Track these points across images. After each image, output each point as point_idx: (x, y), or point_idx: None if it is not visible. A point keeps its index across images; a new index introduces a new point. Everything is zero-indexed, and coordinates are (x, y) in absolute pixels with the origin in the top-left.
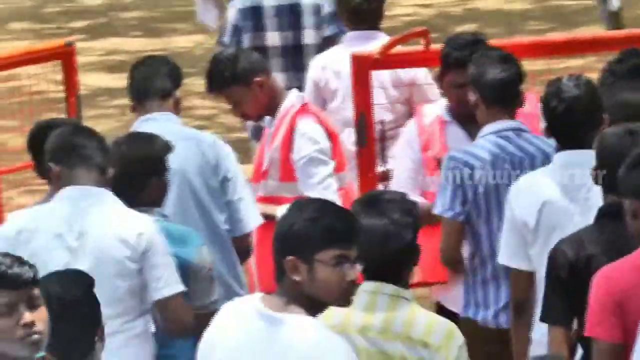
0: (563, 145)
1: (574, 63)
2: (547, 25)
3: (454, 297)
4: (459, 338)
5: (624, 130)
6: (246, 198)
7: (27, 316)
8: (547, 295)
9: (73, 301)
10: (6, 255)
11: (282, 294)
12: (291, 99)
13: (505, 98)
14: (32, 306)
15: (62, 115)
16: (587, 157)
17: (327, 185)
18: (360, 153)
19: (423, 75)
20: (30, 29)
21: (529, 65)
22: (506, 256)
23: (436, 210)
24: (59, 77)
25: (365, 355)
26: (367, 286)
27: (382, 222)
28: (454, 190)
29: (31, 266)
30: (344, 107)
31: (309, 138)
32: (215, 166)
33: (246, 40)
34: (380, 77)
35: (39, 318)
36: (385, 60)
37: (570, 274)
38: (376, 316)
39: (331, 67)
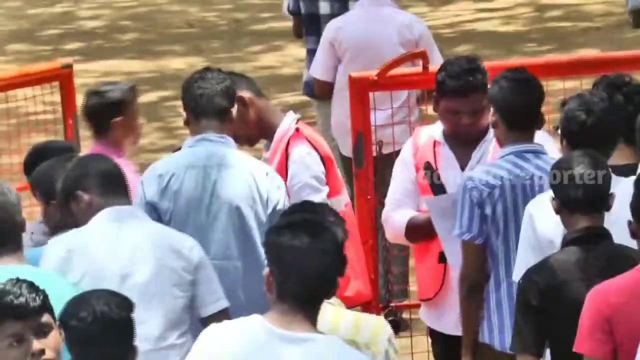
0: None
1: (570, 85)
2: (543, 47)
3: (439, 316)
4: (386, 332)
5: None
6: None
7: (36, 345)
8: (517, 324)
9: (119, 321)
10: (16, 282)
11: None
12: (287, 122)
13: (525, 121)
14: (42, 333)
15: (60, 137)
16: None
17: None
18: (358, 174)
19: (426, 34)
20: (27, 50)
21: None
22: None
23: (455, 233)
24: (55, 98)
25: None
26: None
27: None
28: (471, 211)
29: (40, 292)
30: (352, 66)
31: (302, 164)
32: (267, 199)
33: (303, 8)
34: (390, 39)
35: (49, 345)
36: (384, 82)
37: (542, 301)
38: None
39: (345, 28)
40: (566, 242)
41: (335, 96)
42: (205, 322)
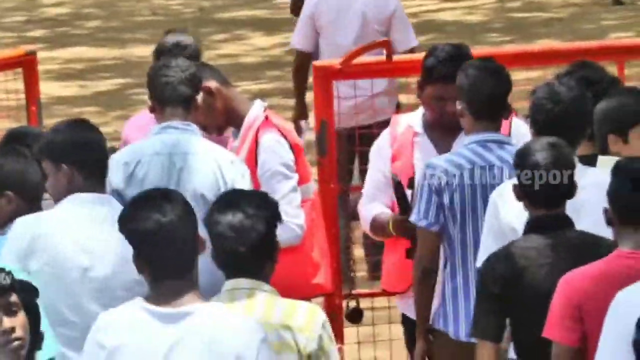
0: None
1: (533, 74)
2: (506, 37)
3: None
4: (320, 317)
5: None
6: None
7: (6, 322)
8: (477, 310)
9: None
10: None
11: None
12: (255, 111)
13: (492, 111)
14: (11, 312)
15: (23, 124)
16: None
17: (290, 199)
18: (321, 162)
19: (400, 9)
20: None
21: None
22: None
23: (411, 219)
24: (18, 85)
25: None
26: (227, 285)
27: (236, 217)
28: (429, 199)
29: (8, 273)
30: (332, 36)
31: (272, 152)
32: (232, 187)
33: None
34: (364, 13)
35: (19, 323)
36: (348, 71)
37: (502, 288)
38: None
39: (324, 4)
40: (527, 229)
41: None
42: None
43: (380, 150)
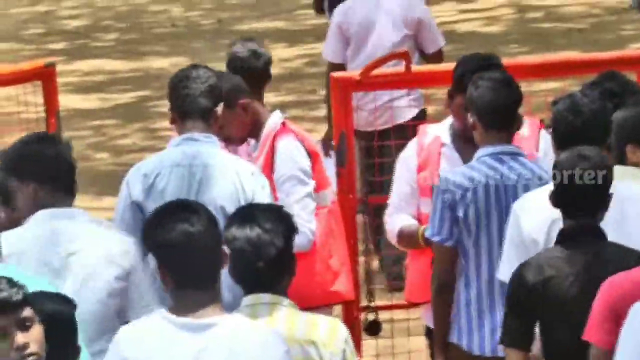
0: None
1: (553, 85)
2: (526, 48)
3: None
4: (343, 332)
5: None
6: None
7: (20, 338)
8: (506, 318)
9: (66, 320)
10: None
11: None
12: (274, 120)
13: (503, 122)
14: (24, 327)
15: None
16: None
17: (305, 205)
18: (340, 173)
19: (429, 15)
20: (10, 49)
21: None
22: (510, 273)
23: (427, 234)
24: (37, 98)
25: None
26: (246, 300)
27: (254, 232)
28: (442, 213)
29: (20, 287)
30: (363, 44)
31: (289, 157)
32: (252, 198)
33: None
34: (392, 12)
35: (33, 339)
36: (367, 82)
37: (528, 296)
38: None
39: (352, 13)
40: (559, 239)
41: None
42: None
43: (406, 160)
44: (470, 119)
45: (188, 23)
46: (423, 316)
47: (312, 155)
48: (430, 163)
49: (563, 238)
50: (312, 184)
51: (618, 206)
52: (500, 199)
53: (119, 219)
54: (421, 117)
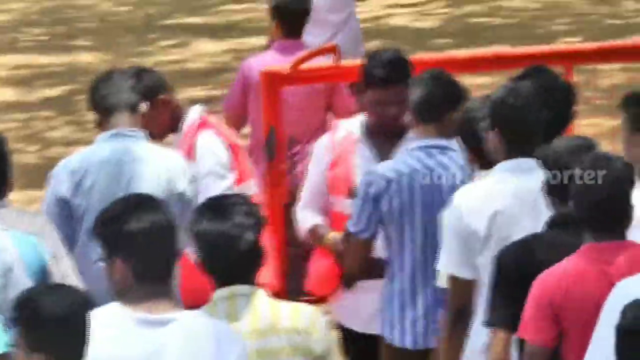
0: (510, 151)
1: (482, 80)
2: (455, 42)
3: (345, 309)
4: (322, 317)
5: (575, 143)
6: None
7: None
8: (493, 299)
9: None
10: None
11: None
12: (193, 116)
13: (432, 116)
14: None
15: None
16: (532, 164)
17: None
18: (269, 166)
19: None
20: None
21: None
22: (450, 264)
23: (347, 225)
24: None
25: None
26: (220, 293)
27: (225, 225)
28: (363, 206)
29: None
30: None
31: (208, 151)
32: (182, 192)
33: None
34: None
35: None
36: (296, 76)
37: (518, 279)
38: (242, 321)
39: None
40: (550, 224)
41: None
42: None
43: (318, 156)
44: (410, 115)
45: (115, 17)
46: (336, 312)
47: (233, 148)
48: (343, 159)
49: (553, 224)
50: (231, 177)
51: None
52: (425, 192)
53: (45, 214)
54: None
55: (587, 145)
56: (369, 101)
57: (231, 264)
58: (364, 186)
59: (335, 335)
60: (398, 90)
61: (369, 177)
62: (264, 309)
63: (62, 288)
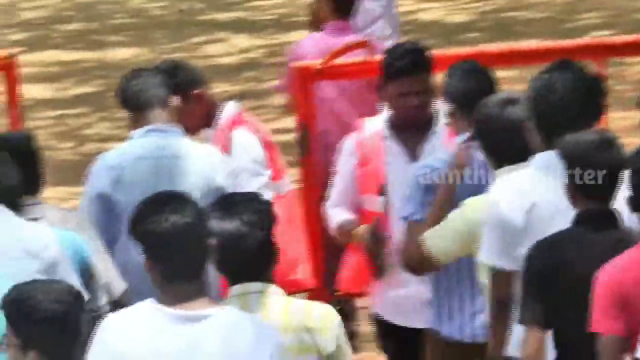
0: (547, 144)
1: (513, 74)
2: (486, 36)
3: (386, 303)
4: (335, 316)
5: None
6: None
7: None
8: (525, 297)
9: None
10: None
11: None
12: (228, 111)
13: (471, 109)
14: None
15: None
16: None
17: None
18: (302, 162)
19: None
20: None
21: None
22: (491, 256)
23: (401, 214)
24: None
25: None
26: (234, 290)
27: (234, 223)
28: (417, 194)
29: None
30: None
31: (243, 148)
32: (222, 187)
33: None
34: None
35: None
36: (328, 72)
37: (546, 276)
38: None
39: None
40: (575, 222)
41: None
42: None
43: (346, 155)
44: (450, 109)
45: (149, 13)
46: (377, 308)
47: (267, 145)
48: (372, 157)
49: (582, 221)
50: (267, 174)
51: None
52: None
53: (84, 211)
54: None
55: (607, 140)
56: (390, 95)
57: (241, 262)
58: (416, 177)
59: (345, 334)
60: (419, 80)
61: (420, 170)
62: (274, 307)
63: (54, 284)
